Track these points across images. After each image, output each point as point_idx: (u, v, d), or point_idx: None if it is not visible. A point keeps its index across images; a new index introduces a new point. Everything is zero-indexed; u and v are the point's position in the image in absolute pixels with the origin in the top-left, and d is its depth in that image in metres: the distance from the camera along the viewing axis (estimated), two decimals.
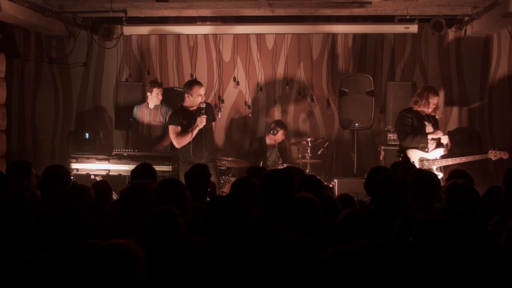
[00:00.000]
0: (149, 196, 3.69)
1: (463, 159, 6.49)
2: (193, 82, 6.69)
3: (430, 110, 6.47)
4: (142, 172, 4.67)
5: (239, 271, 2.39)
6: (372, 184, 3.89)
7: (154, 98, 7.42)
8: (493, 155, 6.49)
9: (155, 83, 7.55)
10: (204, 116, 6.35)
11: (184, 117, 6.50)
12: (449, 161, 6.44)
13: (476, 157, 6.67)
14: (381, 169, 4.58)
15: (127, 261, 2.23)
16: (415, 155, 6.43)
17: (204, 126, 6.41)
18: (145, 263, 2.29)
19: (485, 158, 6.63)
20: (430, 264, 2.22)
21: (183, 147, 6.49)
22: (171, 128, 6.55)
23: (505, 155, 6.45)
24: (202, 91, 6.55)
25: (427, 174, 4.12)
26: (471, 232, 3.22)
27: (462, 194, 3.72)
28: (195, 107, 6.49)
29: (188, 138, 6.41)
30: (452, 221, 2.69)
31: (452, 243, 2.59)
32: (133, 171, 4.79)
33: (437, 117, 6.64)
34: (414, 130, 6.42)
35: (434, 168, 6.36)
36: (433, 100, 6.41)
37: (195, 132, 6.37)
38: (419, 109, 6.45)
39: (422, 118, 6.46)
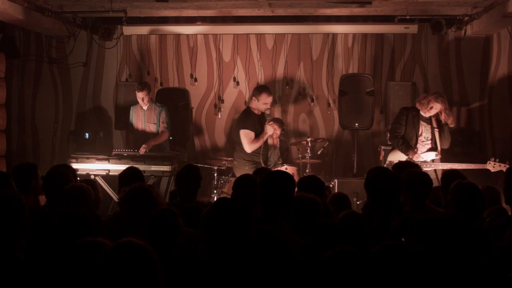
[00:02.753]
0: (151, 199, 3.67)
1: (455, 165, 6.30)
2: (264, 89, 6.84)
3: (427, 114, 6.39)
4: (129, 175, 4.63)
5: (234, 271, 2.40)
6: (367, 182, 3.90)
7: (138, 100, 7.33)
8: (491, 166, 6.22)
9: (137, 86, 7.36)
10: (272, 123, 6.71)
11: (256, 122, 6.71)
12: (439, 166, 6.35)
13: (472, 166, 6.47)
14: (379, 169, 4.58)
15: (148, 259, 2.22)
16: (402, 155, 6.40)
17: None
18: (159, 262, 2.29)
19: (482, 168, 6.35)
20: (391, 249, 2.21)
21: (255, 151, 6.72)
22: (246, 133, 6.68)
23: (505, 168, 6.08)
24: (269, 100, 6.75)
25: (420, 174, 4.15)
26: (473, 231, 3.22)
27: (468, 194, 3.72)
28: (258, 112, 6.70)
29: (260, 144, 6.68)
30: (446, 221, 2.68)
31: (446, 243, 2.58)
32: (120, 175, 4.73)
33: (450, 126, 6.46)
34: (405, 138, 6.42)
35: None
36: (432, 104, 6.29)
37: (264, 138, 6.69)
38: (420, 108, 6.44)
39: (420, 119, 6.43)
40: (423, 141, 6.47)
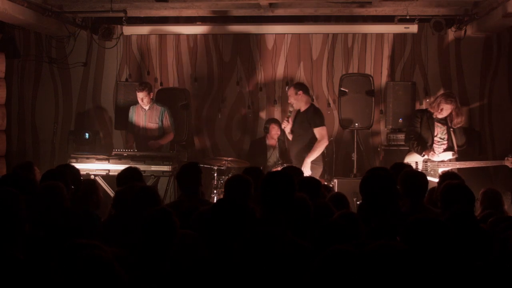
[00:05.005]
0: (144, 198, 3.67)
1: (472, 164, 6.34)
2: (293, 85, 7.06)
3: (440, 116, 6.43)
4: (128, 175, 4.63)
5: (234, 270, 2.40)
6: (361, 184, 3.92)
7: (138, 100, 7.31)
8: (509, 162, 6.29)
9: (138, 86, 7.35)
10: (285, 121, 6.81)
11: None
12: (457, 165, 6.37)
13: (489, 163, 6.54)
14: (374, 171, 4.58)
15: (106, 272, 2.22)
16: (420, 156, 6.44)
17: (294, 131, 6.79)
18: (119, 270, 2.29)
19: (500, 165, 6.43)
20: (378, 249, 2.20)
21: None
22: None
23: None
24: (291, 98, 6.83)
25: (417, 174, 4.17)
26: (467, 231, 3.22)
27: (457, 194, 3.73)
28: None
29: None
30: (439, 221, 2.68)
31: (439, 243, 2.58)
32: (118, 175, 4.73)
33: (456, 125, 6.49)
34: (421, 138, 6.44)
35: (439, 170, 6.32)
36: (443, 106, 6.38)
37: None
38: (433, 111, 6.46)
39: (434, 120, 6.46)
40: (438, 142, 6.52)
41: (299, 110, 6.83)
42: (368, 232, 3.43)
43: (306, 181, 4.27)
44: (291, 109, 6.77)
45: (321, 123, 6.77)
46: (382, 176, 3.82)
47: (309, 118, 6.75)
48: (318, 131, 6.76)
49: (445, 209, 3.68)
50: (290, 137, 6.95)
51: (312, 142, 6.77)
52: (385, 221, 3.28)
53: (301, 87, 6.86)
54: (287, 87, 7.00)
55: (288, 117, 6.76)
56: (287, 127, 6.81)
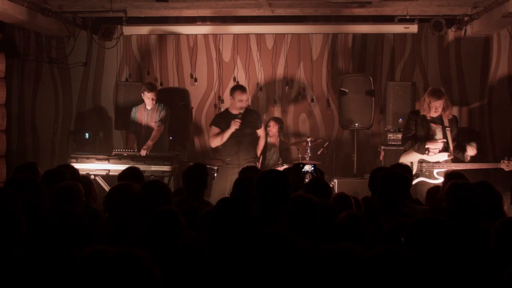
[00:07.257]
0: (132, 197, 3.67)
1: (468, 166, 6.27)
2: (236, 87, 6.84)
3: (435, 114, 6.32)
4: (129, 175, 4.64)
5: (244, 271, 2.38)
6: (374, 181, 3.90)
7: (146, 100, 7.36)
8: (505, 165, 6.20)
9: (146, 87, 7.39)
10: (237, 120, 6.52)
11: (224, 120, 6.66)
12: (452, 166, 6.32)
13: (484, 165, 6.45)
14: (384, 169, 4.57)
15: (146, 271, 2.18)
16: (414, 157, 6.38)
17: (241, 131, 6.56)
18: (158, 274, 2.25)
19: (496, 167, 6.38)
20: (384, 255, 2.19)
21: (223, 149, 6.68)
22: (211, 128, 6.77)
23: None
24: (244, 97, 6.66)
25: (396, 177, 4.14)
26: (470, 231, 3.22)
27: (462, 194, 3.73)
28: (237, 111, 6.61)
29: (219, 140, 6.61)
30: (442, 220, 2.68)
31: (442, 243, 2.58)
32: (120, 175, 4.74)
33: (447, 118, 6.34)
34: (415, 137, 6.37)
35: (434, 172, 6.28)
36: (434, 104, 6.22)
37: (226, 135, 6.54)
38: (426, 114, 6.36)
39: (428, 121, 6.35)
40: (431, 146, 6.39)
41: None
42: (373, 231, 3.42)
43: (314, 183, 4.28)
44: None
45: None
46: (399, 175, 3.82)
47: None
48: None
49: (449, 208, 3.68)
50: None
51: None
52: (390, 221, 3.28)
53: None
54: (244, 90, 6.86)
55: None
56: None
